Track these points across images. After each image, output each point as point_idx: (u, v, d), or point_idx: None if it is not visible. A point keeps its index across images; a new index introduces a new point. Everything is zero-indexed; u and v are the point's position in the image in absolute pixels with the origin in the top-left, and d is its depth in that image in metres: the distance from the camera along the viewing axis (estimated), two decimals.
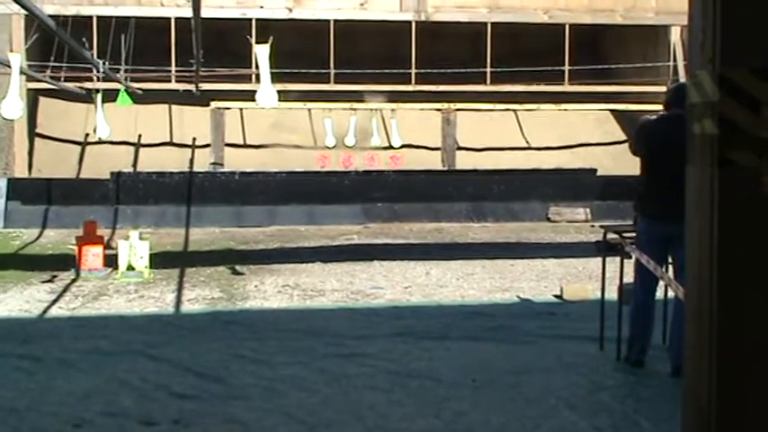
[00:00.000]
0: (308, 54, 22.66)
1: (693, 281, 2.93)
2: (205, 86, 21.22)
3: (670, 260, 7.31)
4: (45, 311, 10.44)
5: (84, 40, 17.37)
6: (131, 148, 23.36)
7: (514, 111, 24.49)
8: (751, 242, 2.74)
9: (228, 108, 22.27)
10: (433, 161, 23.17)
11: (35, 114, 23.04)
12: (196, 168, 22.13)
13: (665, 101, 7.43)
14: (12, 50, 18.44)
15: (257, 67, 14.37)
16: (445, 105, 22.86)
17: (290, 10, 22.34)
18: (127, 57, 20.18)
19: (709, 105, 2.80)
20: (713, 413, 2.80)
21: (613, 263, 7.96)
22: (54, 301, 10.98)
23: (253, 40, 14.91)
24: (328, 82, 22.49)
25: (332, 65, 22.21)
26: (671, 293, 7.47)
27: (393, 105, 22.73)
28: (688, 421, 3.01)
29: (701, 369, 2.84)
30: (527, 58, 22.95)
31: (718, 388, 2.77)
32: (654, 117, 7.79)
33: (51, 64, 20.02)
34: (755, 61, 2.73)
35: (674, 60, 22.87)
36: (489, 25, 22.66)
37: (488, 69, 22.70)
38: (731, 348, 2.77)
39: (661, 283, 7.43)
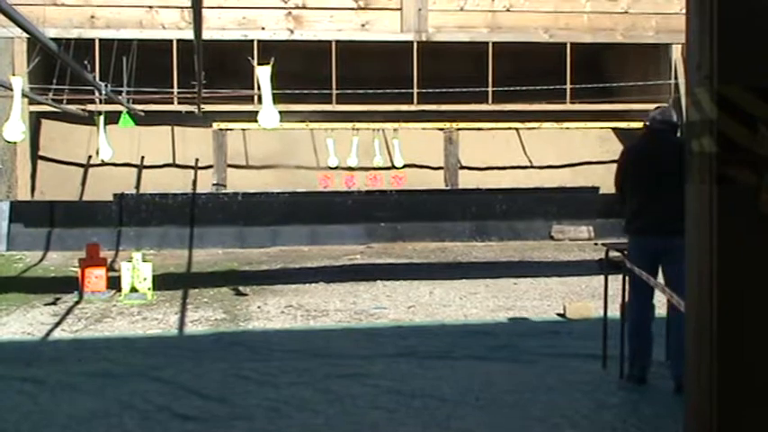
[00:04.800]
0: (309, 75, 22.72)
1: (693, 298, 2.93)
2: (207, 108, 21.26)
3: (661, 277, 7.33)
4: (48, 334, 10.44)
5: (86, 62, 17.38)
6: (134, 170, 23.39)
7: (516, 129, 24.52)
8: (750, 259, 2.75)
9: (231, 129, 22.31)
10: (436, 180, 23.19)
11: (38, 137, 23.09)
12: (199, 189, 22.15)
13: (648, 120, 7.56)
14: (14, 73, 18.46)
15: (259, 88, 14.40)
16: (447, 125, 22.89)
17: (292, 31, 22.39)
18: (129, 79, 20.24)
19: (708, 123, 2.81)
20: (715, 430, 2.80)
21: (616, 281, 7.96)
22: (57, 324, 10.98)
23: (254, 62, 14.95)
24: (330, 102, 22.53)
25: (334, 85, 22.26)
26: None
27: (395, 125, 22.76)
28: None
29: (703, 386, 2.84)
30: (528, 77, 23.00)
31: (720, 405, 2.77)
32: (633, 144, 8.06)
33: (53, 87, 20.08)
34: (752, 79, 2.74)
35: (676, 78, 22.91)
36: (490, 45, 22.70)
37: (490, 89, 22.73)
38: (732, 365, 2.77)
39: (662, 301, 7.44)
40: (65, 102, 21.02)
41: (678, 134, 7.64)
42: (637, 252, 7.29)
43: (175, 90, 21.79)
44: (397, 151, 22.85)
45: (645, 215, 7.24)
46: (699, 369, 2.87)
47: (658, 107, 7.83)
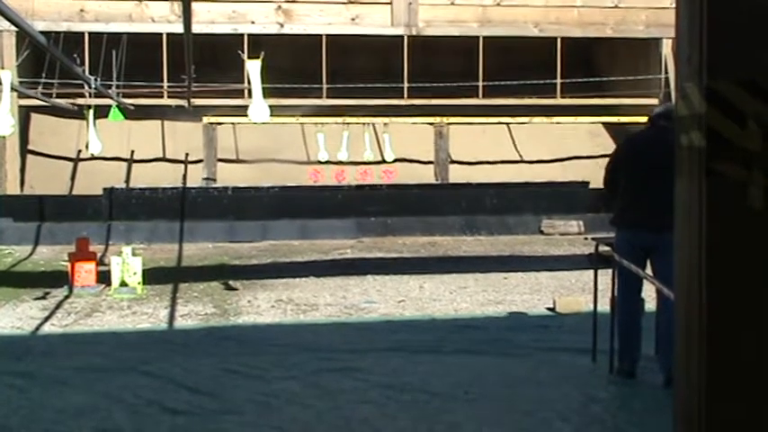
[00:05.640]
0: (300, 69, 22.68)
1: (681, 293, 2.94)
2: (197, 102, 21.23)
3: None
4: (38, 328, 10.42)
5: (75, 56, 17.36)
6: (124, 164, 23.35)
7: (507, 124, 24.52)
8: (739, 253, 2.75)
9: (221, 123, 22.28)
10: (426, 175, 23.19)
11: (27, 131, 23.02)
12: (189, 184, 22.11)
13: (653, 115, 7.56)
14: (2, 67, 18.45)
15: (249, 82, 14.39)
16: (438, 119, 22.89)
17: (282, 25, 22.37)
18: (119, 72, 20.20)
19: (697, 117, 2.81)
20: (704, 424, 2.80)
21: (606, 275, 7.97)
22: (47, 318, 10.96)
23: (245, 56, 14.95)
24: (320, 97, 22.52)
25: (324, 80, 22.24)
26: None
27: (386, 119, 22.75)
28: None
29: (691, 382, 2.84)
30: (519, 71, 23.02)
31: (708, 399, 2.77)
32: (632, 136, 8.10)
33: (43, 80, 20.02)
34: (742, 74, 2.74)
35: (666, 73, 22.95)
36: (481, 39, 22.71)
37: (480, 83, 22.74)
38: (720, 360, 2.77)
39: (651, 295, 7.47)
40: (54, 96, 20.98)
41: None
42: (625, 246, 7.29)
43: (165, 84, 21.76)
44: (388, 146, 22.85)
45: (636, 209, 7.22)
46: (687, 363, 2.88)
47: (664, 105, 7.84)
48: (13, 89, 15.74)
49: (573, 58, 23.34)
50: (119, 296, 12.42)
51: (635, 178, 7.27)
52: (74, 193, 22.26)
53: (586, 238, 17.32)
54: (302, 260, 16.67)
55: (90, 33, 21.12)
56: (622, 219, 7.42)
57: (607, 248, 7.83)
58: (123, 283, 12.70)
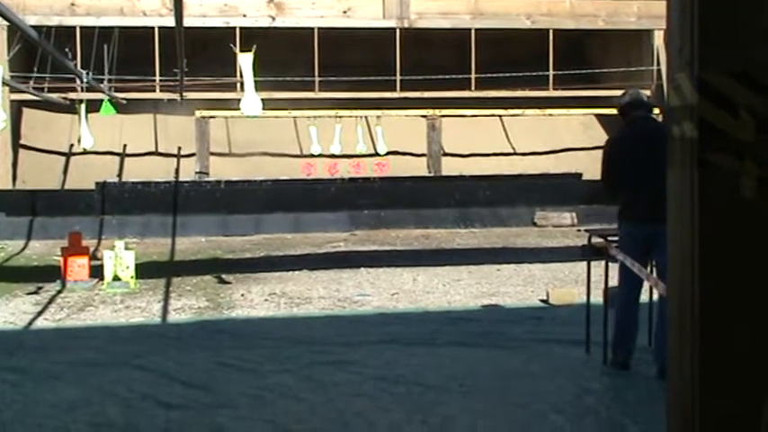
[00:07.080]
0: (292, 62, 22.66)
1: (674, 284, 2.94)
2: (189, 95, 21.19)
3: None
4: (30, 323, 10.40)
5: (67, 50, 17.31)
6: (116, 159, 23.30)
7: (500, 116, 24.52)
8: (732, 245, 2.75)
9: (213, 117, 22.24)
10: (419, 168, 23.17)
11: (19, 125, 22.96)
12: (181, 178, 22.08)
13: (622, 107, 7.63)
14: None
15: (241, 75, 14.37)
16: (430, 112, 22.87)
17: (273, 18, 22.34)
18: (110, 66, 20.15)
19: (689, 108, 2.81)
20: (697, 416, 2.80)
21: (599, 267, 7.97)
22: (39, 313, 10.94)
23: (236, 49, 14.93)
24: (313, 90, 22.50)
25: (316, 73, 22.21)
26: (655, 295, 7.51)
27: (378, 112, 22.72)
28: (673, 424, 3.02)
29: (684, 374, 2.85)
30: (511, 63, 23.00)
31: (702, 393, 2.77)
32: (615, 136, 8.22)
33: (34, 75, 19.98)
34: (734, 64, 2.74)
35: (658, 64, 22.96)
36: (473, 31, 22.70)
37: (473, 75, 22.74)
38: (713, 353, 2.77)
39: (646, 286, 7.46)
40: (46, 90, 20.93)
41: (653, 115, 7.82)
42: (629, 239, 7.27)
43: (157, 78, 21.72)
44: (380, 138, 22.81)
45: (637, 203, 7.19)
46: (680, 355, 2.88)
47: (625, 93, 7.87)
48: (4, 84, 15.70)
49: (565, 49, 23.34)
50: (112, 290, 12.40)
51: (630, 175, 7.29)
52: (66, 187, 22.21)
53: (579, 230, 17.38)
54: (295, 253, 16.66)
55: (81, 27, 21.06)
56: (626, 213, 7.41)
57: (600, 240, 7.84)
58: (116, 278, 12.68)
